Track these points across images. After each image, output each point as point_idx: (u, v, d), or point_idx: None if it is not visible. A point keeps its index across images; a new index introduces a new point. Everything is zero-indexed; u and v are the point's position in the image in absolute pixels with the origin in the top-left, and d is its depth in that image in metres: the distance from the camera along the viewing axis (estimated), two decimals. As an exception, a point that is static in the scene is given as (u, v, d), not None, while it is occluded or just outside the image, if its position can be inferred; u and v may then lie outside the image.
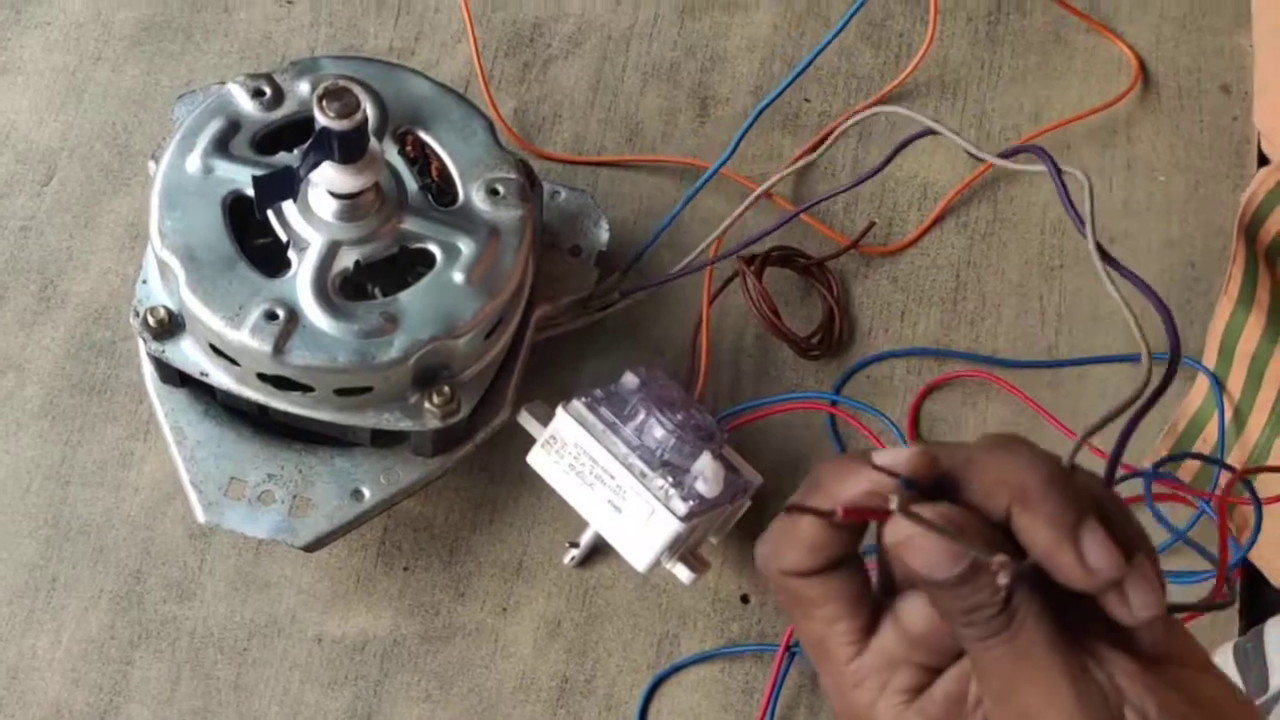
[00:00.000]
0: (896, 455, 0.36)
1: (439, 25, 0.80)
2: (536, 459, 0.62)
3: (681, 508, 0.59)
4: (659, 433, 0.61)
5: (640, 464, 0.60)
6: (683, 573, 0.62)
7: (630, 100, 0.79)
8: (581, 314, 0.71)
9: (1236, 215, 0.76)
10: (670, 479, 0.59)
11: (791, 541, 0.37)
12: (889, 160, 0.62)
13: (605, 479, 0.60)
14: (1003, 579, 0.35)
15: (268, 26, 0.79)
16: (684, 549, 0.62)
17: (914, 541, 0.35)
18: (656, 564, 0.60)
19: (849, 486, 0.36)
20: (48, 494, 0.67)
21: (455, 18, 0.80)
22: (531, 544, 0.67)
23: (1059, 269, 0.75)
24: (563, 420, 0.61)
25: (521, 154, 0.76)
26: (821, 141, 0.78)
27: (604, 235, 0.70)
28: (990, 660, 0.35)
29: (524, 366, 0.66)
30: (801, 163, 0.71)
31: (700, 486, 0.59)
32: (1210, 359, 0.71)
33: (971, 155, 0.53)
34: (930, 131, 0.57)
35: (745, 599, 0.67)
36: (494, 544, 0.67)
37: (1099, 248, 0.44)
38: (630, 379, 0.63)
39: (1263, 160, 0.78)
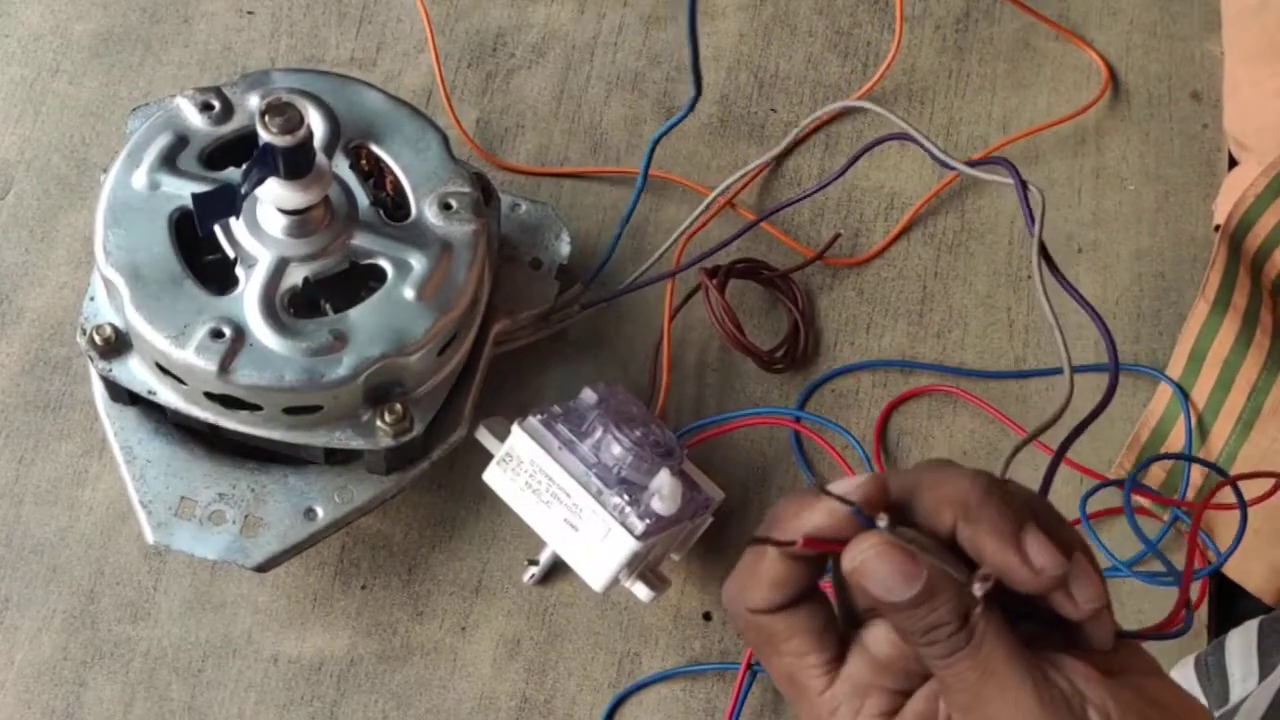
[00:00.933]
0: (849, 484, 0.38)
1: (401, 35, 0.79)
2: (492, 476, 0.61)
3: (638, 526, 0.58)
4: (617, 450, 0.60)
5: (597, 482, 0.59)
6: (642, 591, 0.61)
7: (594, 110, 0.78)
8: (542, 327, 0.70)
9: (1214, 221, 0.75)
10: (627, 497, 0.58)
11: (756, 579, 0.38)
12: (854, 160, 0.62)
13: (561, 497, 0.59)
14: (978, 590, 0.36)
15: (228, 37, 0.78)
16: (643, 567, 0.61)
17: (869, 566, 0.36)
18: (614, 583, 0.60)
19: (807, 518, 0.38)
20: (1, 513, 0.66)
21: (417, 28, 0.79)
22: (491, 561, 0.67)
23: (1027, 280, 0.75)
24: (518, 437, 0.60)
25: (484, 165, 0.75)
26: (787, 152, 0.77)
27: (565, 248, 0.69)
28: (954, 676, 0.36)
29: (482, 382, 0.65)
30: (763, 165, 0.70)
31: (657, 505, 0.58)
32: (1178, 365, 0.70)
33: (938, 161, 0.53)
34: (901, 136, 0.56)
35: (707, 616, 0.66)
36: (453, 562, 0.66)
37: (1044, 256, 0.45)
38: (589, 395, 0.62)
39: (1231, 165, 0.78)
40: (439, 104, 0.76)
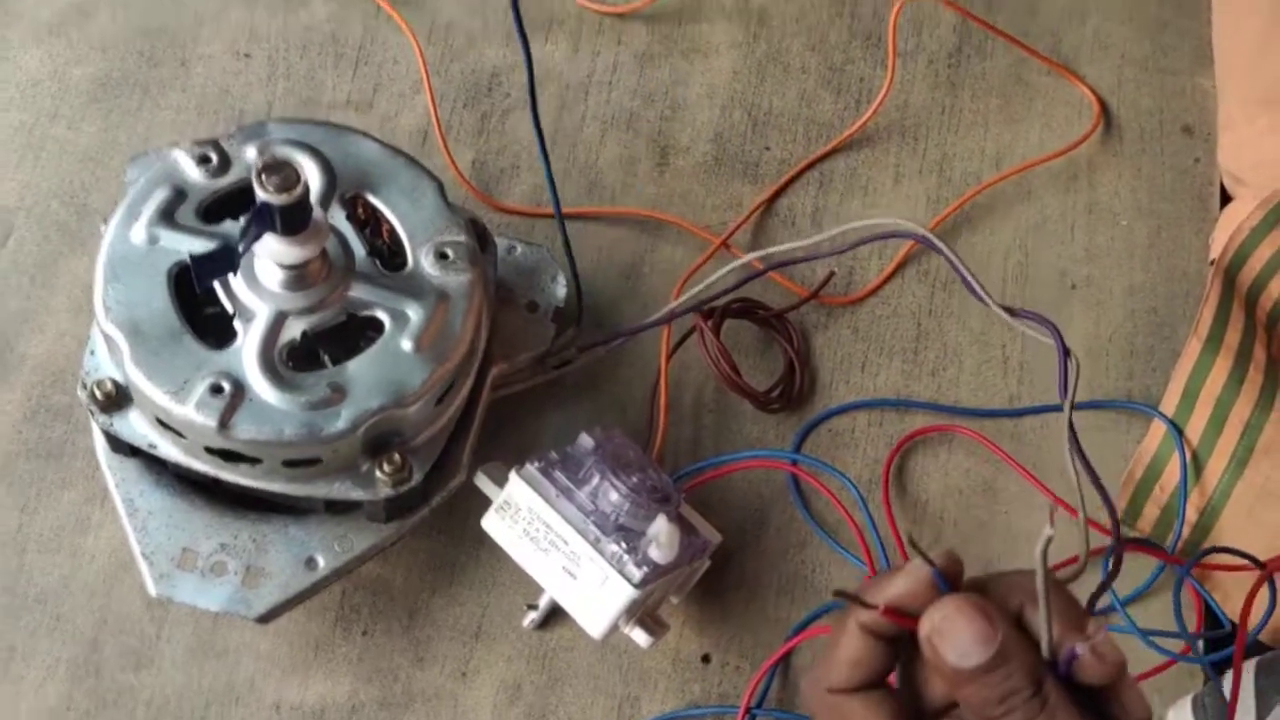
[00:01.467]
0: (939, 556, 0.41)
1: (397, 76, 0.80)
2: (491, 524, 0.61)
3: (636, 574, 0.59)
4: (614, 496, 0.60)
5: (594, 530, 0.59)
6: (640, 637, 0.62)
7: (590, 150, 0.78)
8: (540, 371, 0.70)
9: (1208, 259, 0.76)
10: (624, 545, 0.59)
11: (836, 659, 0.41)
12: (860, 244, 0.63)
13: (559, 544, 0.60)
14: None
15: (225, 80, 0.79)
16: (642, 612, 0.62)
17: (947, 626, 0.38)
18: (613, 630, 0.60)
19: (890, 586, 0.40)
20: (4, 562, 0.66)
21: (413, 69, 0.79)
22: (491, 606, 0.67)
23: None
24: (516, 485, 0.61)
25: (480, 207, 0.76)
26: (782, 189, 0.78)
27: (561, 290, 0.70)
28: None
29: (480, 427, 0.65)
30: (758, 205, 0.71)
31: (654, 553, 0.59)
32: (1171, 403, 0.71)
33: (978, 298, 0.55)
34: (925, 244, 0.58)
35: (706, 659, 0.66)
36: (453, 607, 0.67)
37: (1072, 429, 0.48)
38: (586, 440, 0.63)
39: (1224, 200, 0.78)
40: (435, 145, 0.77)
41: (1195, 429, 0.70)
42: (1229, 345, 0.70)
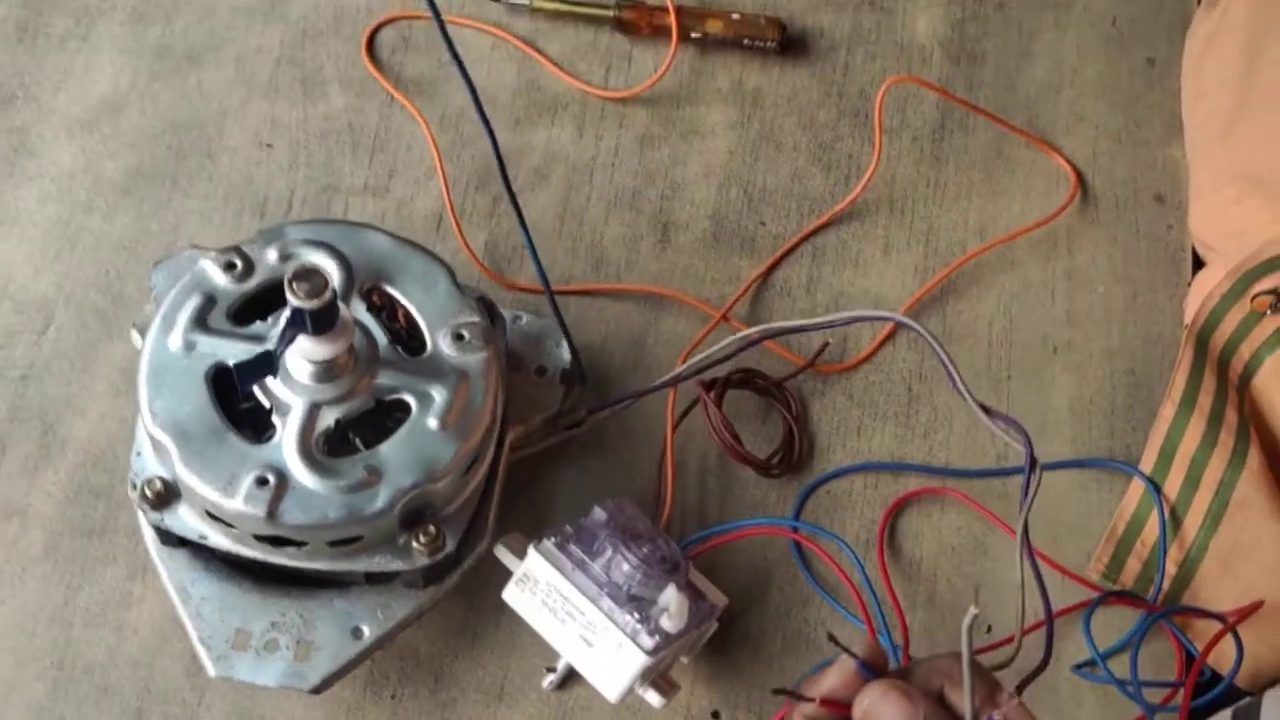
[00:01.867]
0: (857, 644, 0.49)
1: (411, 163, 0.84)
2: (511, 595, 0.66)
3: (649, 642, 0.63)
4: (626, 567, 0.64)
5: (609, 601, 0.64)
6: (654, 698, 0.66)
7: (595, 229, 0.83)
8: (552, 432, 0.74)
9: (1182, 321, 0.80)
10: (637, 615, 0.63)
11: None
12: (853, 321, 0.69)
13: (576, 615, 0.64)
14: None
15: (249, 169, 0.84)
16: (655, 674, 0.66)
17: (876, 708, 0.45)
18: (628, 693, 0.64)
19: (823, 681, 0.47)
20: (52, 636, 0.71)
21: (426, 155, 0.84)
22: (511, 668, 0.71)
23: (1006, 380, 0.79)
24: (534, 559, 0.65)
25: (492, 286, 0.80)
26: (778, 262, 0.82)
27: (566, 355, 0.74)
28: None
29: (502, 490, 0.70)
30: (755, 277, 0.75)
31: (666, 622, 0.63)
32: (1149, 462, 0.75)
33: (959, 392, 0.62)
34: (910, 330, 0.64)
35: (716, 715, 0.70)
36: (476, 670, 0.71)
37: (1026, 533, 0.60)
38: (599, 513, 0.67)
39: (1196, 265, 0.82)
40: (449, 227, 0.81)
41: (1173, 487, 0.74)
42: (1202, 407, 0.74)
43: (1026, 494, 0.58)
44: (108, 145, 0.84)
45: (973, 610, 0.45)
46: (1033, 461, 0.58)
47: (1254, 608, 0.69)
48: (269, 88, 0.86)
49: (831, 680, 0.47)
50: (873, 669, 0.47)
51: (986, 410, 0.60)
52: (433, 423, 0.64)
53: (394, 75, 0.87)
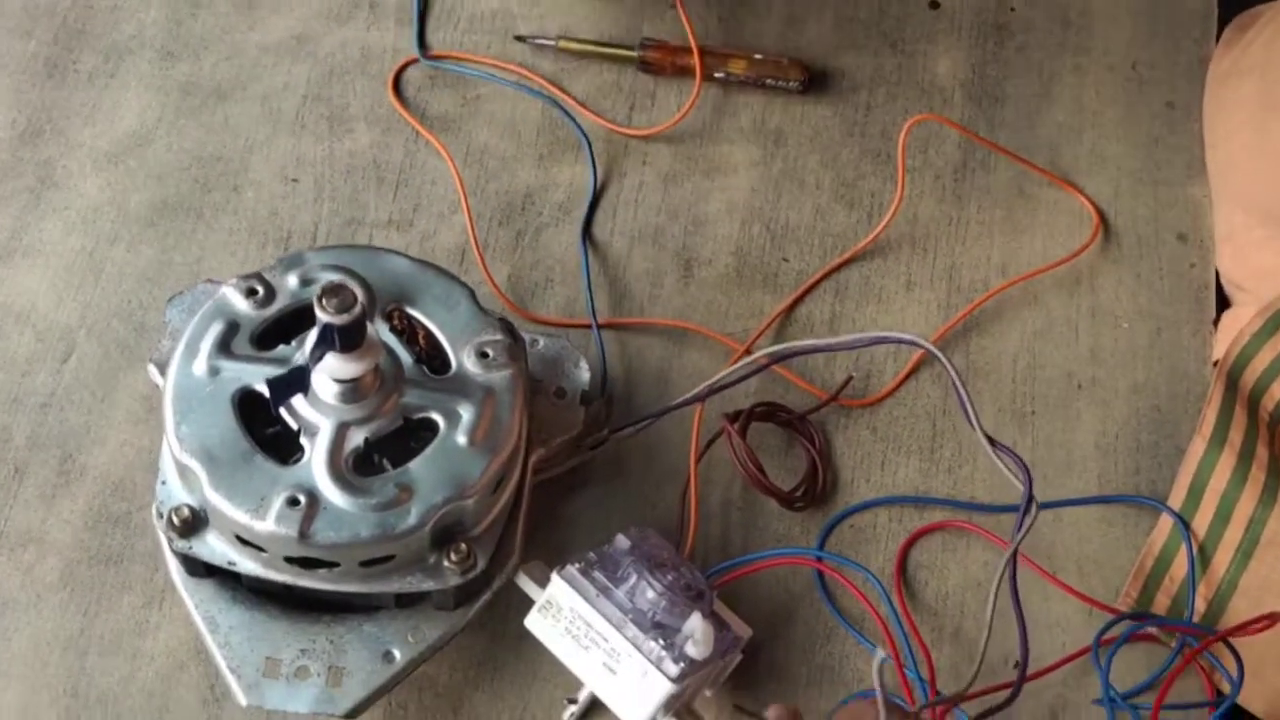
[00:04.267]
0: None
1: (435, 197, 0.85)
2: (534, 623, 0.65)
3: (673, 669, 0.62)
4: (650, 595, 0.64)
5: (633, 628, 0.63)
6: (677, 729, 0.64)
7: (618, 263, 0.83)
8: (574, 453, 0.74)
9: (1208, 358, 0.80)
10: (662, 642, 0.62)
11: None
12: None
13: (600, 642, 0.63)
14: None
15: (274, 203, 0.84)
16: (679, 705, 0.65)
17: None
18: (651, 722, 0.63)
19: None
20: (67, 664, 0.70)
21: (450, 190, 0.84)
22: (532, 701, 0.70)
23: (1031, 415, 0.79)
24: (558, 586, 0.64)
25: (516, 319, 0.80)
26: (800, 298, 0.82)
27: (585, 375, 0.74)
28: None
29: (529, 510, 0.69)
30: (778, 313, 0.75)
31: (690, 649, 0.62)
32: (1179, 497, 0.74)
33: (969, 421, 0.65)
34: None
35: (739, 750, 0.69)
36: (495, 702, 0.70)
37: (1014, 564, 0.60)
38: (622, 541, 0.66)
39: (1222, 303, 0.82)
40: (473, 261, 0.82)
41: (1202, 523, 0.73)
42: (1232, 443, 0.74)
43: (1020, 528, 0.59)
44: (133, 178, 0.84)
45: (880, 654, 0.48)
46: (1030, 498, 0.59)
47: (1266, 623, 0.67)
48: (295, 124, 0.87)
49: None
50: None
51: (992, 441, 0.61)
52: (462, 439, 0.64)
53: (419, 112, 0.87)
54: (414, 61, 0.89)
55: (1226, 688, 0.69)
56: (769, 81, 0.88)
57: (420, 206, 0.84)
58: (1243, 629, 0.66)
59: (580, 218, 0.84)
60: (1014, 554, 0.59)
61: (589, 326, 0.79)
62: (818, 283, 0.83)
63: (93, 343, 0.79)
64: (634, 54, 0.89)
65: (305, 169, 0.85)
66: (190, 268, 0.81)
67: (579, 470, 0.75)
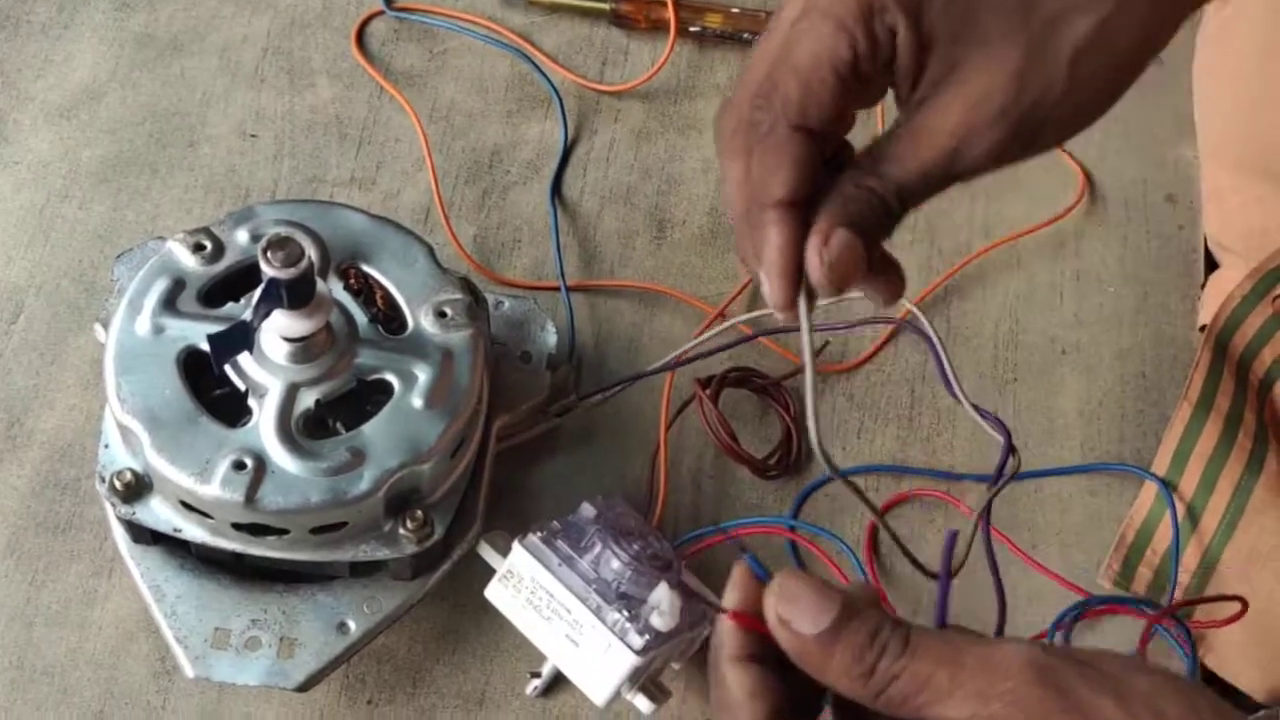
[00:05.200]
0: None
1: (399, 155, 0.82)
2: (494, 593, 0.62)
3: (638, 641, 0.59)
4: (615, 564, 0.61)
5: (596, 598, 0.60)
6: (643, 703, 0.62)
7: (588, 224, 0.80)
8: (540, 420, 0.72)
9: (1195, 324, 0.77)
10: (626, 612, 0.60)
11: (730, 703, 0.41)
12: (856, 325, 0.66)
13: (562, 613, 0.61)
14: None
15: (232, 160, 0.81)
16: (644, 678, 0.62)
17: (788, 605, 0.39)
18: (616, 697, 0.61)
19: (727, 599, 0.42)
20: (12, 635, 0.67)
21: (415, 147, 0.81)
22: (494, 674, 0.68)
23: (1013, 383, 0.77)
24: (519, 555, 0.61)
25: (481, 280, 0.77)
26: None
27: (552, 339, 0.71)
28: (926, 669, 0.38)
29: (490, 478, 0.67)
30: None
31: (656, 621, 0.59)
32: (1163, 464, 0.72)
33: (948, 387, 0.64)
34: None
35: (708, 725, 0.67)
36: (456, 675, 0.67)
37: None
38: (587, 509, 0.64)
39: (1210, 266, 0.80)
40: (437, 221, 0.79)
41: (1187, 490, 0.71)
42: (1219, 409, 0.71)
43: (999, 478, 0.56)
44: (86, 133, 0.81)
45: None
46: (1010, 449, 0.56)
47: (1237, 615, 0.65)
48: (254, 77, 0.84)
49: (734, 594, 0.42)
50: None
51: (974, 405, 0.58)
52: (417, 402, 0.61)
53: (383, 66, 0.84)
54: (379, 13, 0.86)
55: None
56: (746, 36, 0.85)
57: (384, 164, 0.81)
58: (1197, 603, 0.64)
59: (549, 176, 0.81)
60: (989, 509, 0.56)
61: (557, 289, 0.77)
62: (794, 245, 0.80)
63: (42, 303, 0.76)
64: (606, 7, 0.86)
65: (264, 124, 0.82)
66: (144, 226, 0.78)
67: (546, 438, 0.73)
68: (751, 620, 0.41)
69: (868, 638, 0.39)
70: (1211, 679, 0.68)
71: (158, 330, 0.60)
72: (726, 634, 0.42)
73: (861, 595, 0.40)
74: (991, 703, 0.37)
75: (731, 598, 0.42)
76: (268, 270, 0.55)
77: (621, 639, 0.59)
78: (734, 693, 0.41)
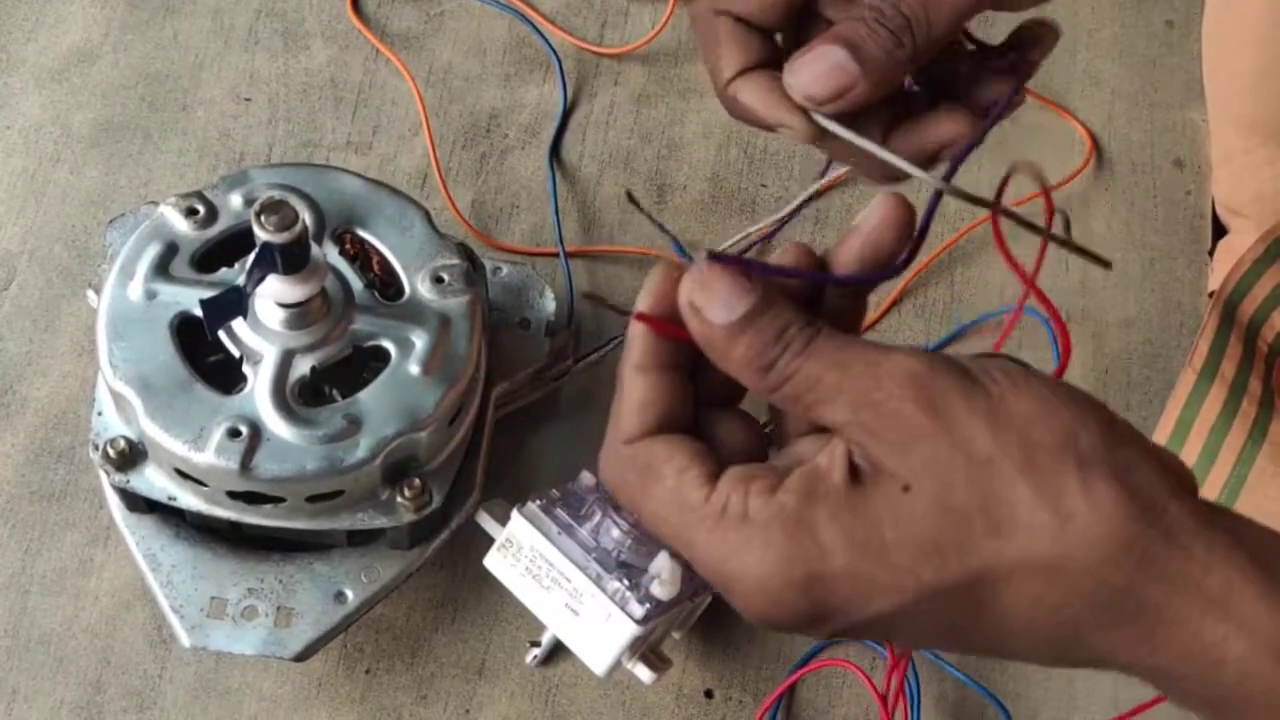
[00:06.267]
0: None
1: (396, 119, 0.80)
2: (493, 562, 0.61)
3: (638, 611, 0.59)
4: (615, 533, 0.60)
5: (596, 567, 0.59)
6: (644, 672, 0.62)
7: (587, 189, 0.79)
8: (539, 385, 0.71)
9: (1203, 290, 0.76)
10: (627, 581, 0.59)
11: (623, 410, 0.40)
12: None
13: (562, 582, 0.60)
14: None
15: (225, 124, 0.80)
16: (644, 648, 0.62)
17: (701, 292, 0.38)
18: (616, 666, 0.60)
19: (641, 301, 0.40)
20: (8, 604, 0.67)
21: (412, 111, 0.80)
22: (493, 643, 0.67)
23: (1018, 350, 0.76)
24: (518, 523, 0.61)
25: (479, 246, 0.76)
26: (779, 226, 0.78)
27: (550, 305, 0.70)
28: (817, 370, 0.38)
29: (489, 446, 0.66)
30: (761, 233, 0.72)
31: (657, 589, 0.59)
32: (1165, 431, 0.71)
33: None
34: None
35: (709, 694, 0.67)
36: (455, 644, 0.67)
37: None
38: (587, 477, 0.63)
39: (1218, 232, 0.79)
40: (434, 186, 0.78)
41: (1189, 457, 0.70)
42: (1224, 376, 0.71)
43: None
44: (77, 97, 0.80)
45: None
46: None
47: None
48: (248, 40, 0.82)
49: (651, 290, 0.39)
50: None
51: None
52: (414, 368, 0.60)
53: (379, 28, 0.83)
54: (374, -25, 0.85)
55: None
56: (748, -2, 0.84)
57: (380, 128, 0.80)
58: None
59: (548, 140, 0.80)
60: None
61: (556, 254, 0.76)
62: (797, 210, 0.79)
63: (34, 269, 0.75)
64: (606, -32, 0.84)
65: (259, 88, 0.81)
66: (137, 191, 0.77)
67: (546, 404, 0.72)
68: (662, 324, 0.39)
69: (774, 335, 0.38)
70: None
71: (150, 295, 0.60)
72: (633, 338, 0.40)
73: (777, 294, 0.38)
74: (862, 411, 0.37)
75: (645, 301, 0.40)
76: (261, 235, 0.54)
77: (622, 608, 0.59)
78: (624, 401, 0.40)
